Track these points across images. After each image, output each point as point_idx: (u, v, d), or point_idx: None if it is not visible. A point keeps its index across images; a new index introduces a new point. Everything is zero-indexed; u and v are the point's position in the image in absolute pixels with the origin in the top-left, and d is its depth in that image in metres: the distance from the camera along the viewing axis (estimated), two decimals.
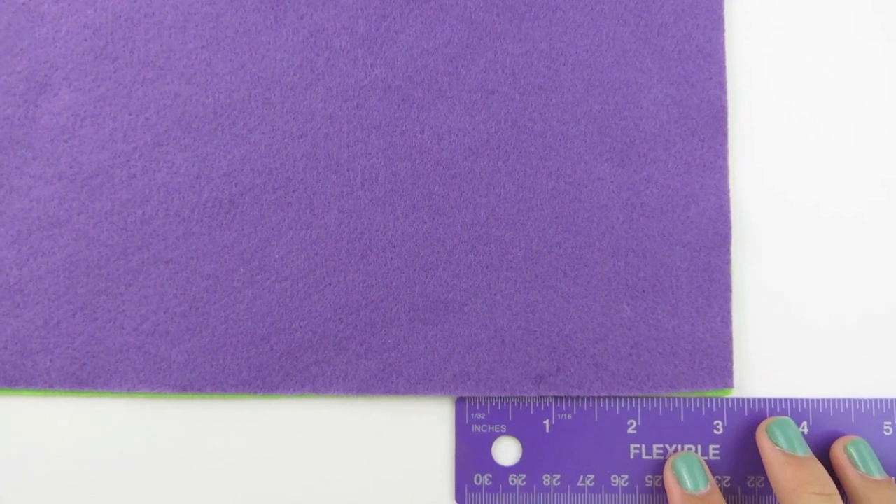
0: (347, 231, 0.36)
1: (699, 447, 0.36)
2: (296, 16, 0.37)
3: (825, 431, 0.35)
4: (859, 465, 0.34)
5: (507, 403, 0.36)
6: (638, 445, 0.36)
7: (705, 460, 0.35)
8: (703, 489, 0.34)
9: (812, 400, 0.36)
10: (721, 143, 0.36)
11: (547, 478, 0.36)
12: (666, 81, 0.37)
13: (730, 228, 0.36)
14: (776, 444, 0.34)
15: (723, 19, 0.37)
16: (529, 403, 0.36)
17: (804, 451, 0.34)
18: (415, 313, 0.36)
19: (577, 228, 0.36)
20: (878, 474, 0.33)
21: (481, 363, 0.36)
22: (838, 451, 0.34)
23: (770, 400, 0.36)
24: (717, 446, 0.36)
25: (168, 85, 0.37)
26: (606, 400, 0.36)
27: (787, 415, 0.36)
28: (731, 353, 0.35)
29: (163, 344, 0.36)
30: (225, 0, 0.37)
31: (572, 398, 0.36)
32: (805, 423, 0.36)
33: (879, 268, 0.37)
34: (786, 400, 0.36)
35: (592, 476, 0.36)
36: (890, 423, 0.35)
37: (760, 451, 0.34)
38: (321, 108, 0.37)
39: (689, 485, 0.34)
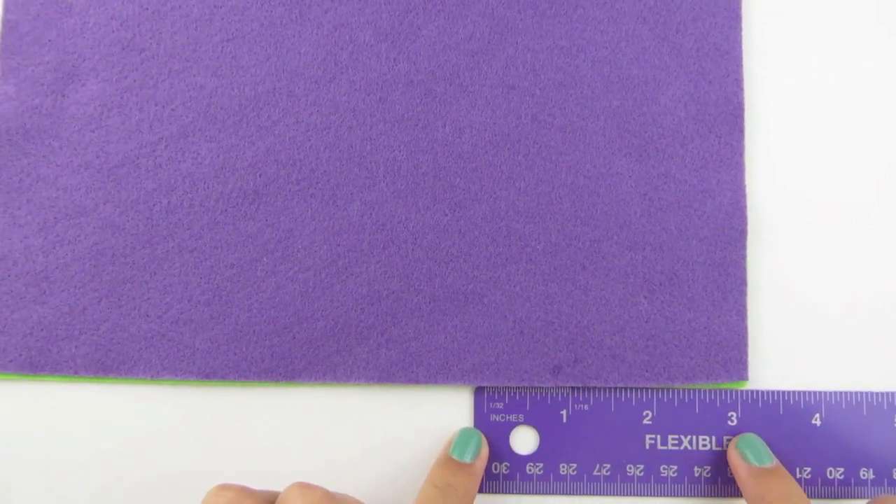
0: (369, 223, 0.37)
1: (714, 438, 0.36)
2: (320, 10, 0.37)
3: (837, 424, 0.36)
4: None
5: (525, 393, 0.37)
6: (653, 436, 0.36)
7: (719, 450, 0.36)
8: (769, 464, 0.35)
9: (825, 393, 0.36)
10: (737, 140, 0.37)
11: (563, 467, 0.36)
12: (684, 78, 0.37)
13: (745, 223, 0.37)
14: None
15: (740, 17, 0.38)
16: (547, 394, 0.37)
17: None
18: (435, 304, 0.36)
19: (596, 222, 0.37)
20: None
21: (500, 354, 0.36)
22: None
23: (784, 392, 0.36)
24: (732, 438, 0.36)
25: (194, 77, 0.37)
26: (623, 391, 0.37)
27: (799, 407, 0.36)
28: (746, 345, 0.36)
29: (186, 332, 0.36)
30: None
31: (589, 389, 0.37)
32: (817, 415, 0.36)
33: (893, 263, 0.37)
34: (799, 392, 0.36)
35: (608, 465, 0.36)
36: None
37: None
38: (344, 101, 0.37)
39: (754, 460, 0.35)
